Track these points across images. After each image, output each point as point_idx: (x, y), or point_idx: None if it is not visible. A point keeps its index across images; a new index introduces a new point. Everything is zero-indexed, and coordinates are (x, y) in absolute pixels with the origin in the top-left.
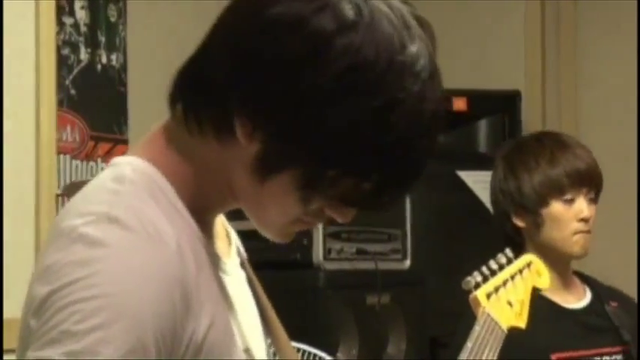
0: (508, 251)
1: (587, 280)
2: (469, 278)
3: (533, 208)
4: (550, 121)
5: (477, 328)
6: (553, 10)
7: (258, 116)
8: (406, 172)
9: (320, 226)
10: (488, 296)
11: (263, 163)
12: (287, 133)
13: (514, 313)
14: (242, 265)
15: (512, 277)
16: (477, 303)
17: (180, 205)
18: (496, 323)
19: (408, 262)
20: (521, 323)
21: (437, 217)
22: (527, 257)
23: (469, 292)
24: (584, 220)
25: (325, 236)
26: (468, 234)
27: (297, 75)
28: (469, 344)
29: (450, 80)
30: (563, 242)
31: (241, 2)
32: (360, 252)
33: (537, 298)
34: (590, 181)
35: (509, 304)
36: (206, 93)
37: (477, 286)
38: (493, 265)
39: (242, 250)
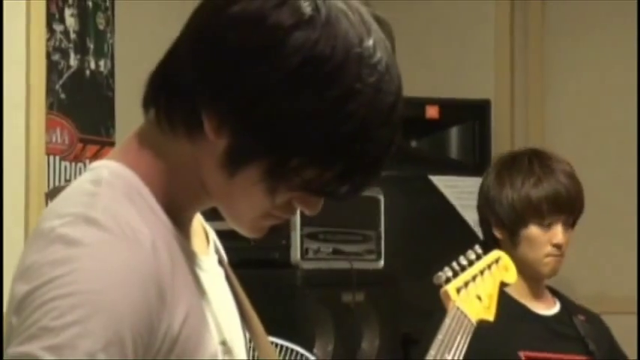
0: (477, 247)
1: (558, 294)
2: (440, 273)
3: (510, 226)
4: (518, 129)
5: (447, 321)
6: (521, 22)
7: (224, 110)
8: (367, 161)
9: (298, 227)
10: (458, 291)
11: (231, 156)
12: (250, 125)
13: (483, 306)
14: (220, 262)
15: (482, 272)
16: (448, 297)
17: (155, 205)
18: (465, 316)
19: (381, 263)
20: (490, 316)
21: (410, 220)
22: (496, 253)
23: (440, 286)
24: (557, 246)
25: (303, 237)
26: (439, 236)
27: (257, 68)
28: (439, 336)
29: (424, 89)
30: (535, 262)
31: (206, 3)
32: (336, 252)
33: (509, 300)
34: (570, 209)
35: (479, 298)
36: (175, 93)
37: (448, 281)
38: (463, 260)
39: (220, 248)
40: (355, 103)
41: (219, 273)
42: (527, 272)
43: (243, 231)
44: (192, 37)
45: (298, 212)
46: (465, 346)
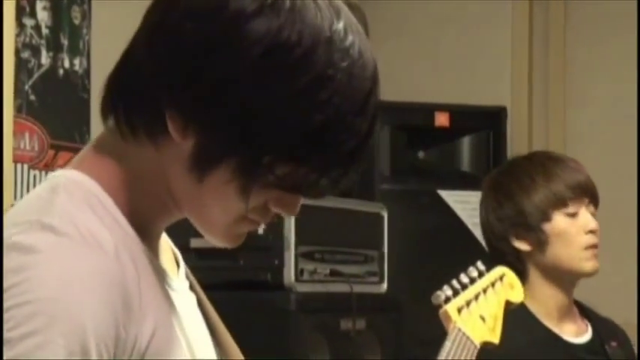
0: (479, 264)
1: (586, 312)
2: (439, 292)
3: (536, 226)
4: (537, 139)
5: (447, 343)
6: (541, 24)
7: (187, 108)
8: (344, 153)
9: (292, 246)
10: (459, 310)
11: (199, 158)
12: (216, 122)
13: (487, 327)
14: (191, 288)
15: (485, 291)
16: (448, 318)
17: (118, 214)
18: (468, 338)
19: (384, 286)
20: (494, 338)
21: (416, 239)
22: (500, 270)
23: (439, 306)
24: (592, 232)
25: (297, 256)
26: (448, 257)
27: (219, 60)
28: None
29: (433, 94)
30: (572, 260)
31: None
32: (334, 274)
33: (532, 322)
34: (590, 193)
35: (482, 318)
36: (135, 95)
37: (448, 300)
38: (464, 278)
39: (189, 274)
40: (327, 90)
41: (191, 298)
42: (562, 280)
43: (217, 240)
44: (148, 33)
45: (293, 230)
46: None
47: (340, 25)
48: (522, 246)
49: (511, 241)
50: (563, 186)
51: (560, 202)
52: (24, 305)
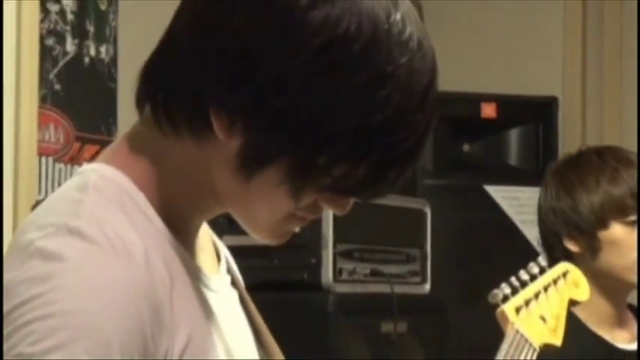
0: (541, 260)
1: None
2: (496, 291)
3: (589, 230)
4: (591, 131)
5: (504, 346)
6: (596, 9)
7: (234, 107)
8: (403, 152)
9: (330, 244)
10: (518, 310)
11: (246, 158)
12: (268, 122)
13: (548, 328)
14: (233, 283)
15: (546, 289)
16: (505, 318)
17: (151, 212)
18: (527, 340)
19: (427, 287)
20: (556, 340)
21: (461, 237)
22: (563, 266)
23: (496, 306)
24: None
25: (336, 255)
26: (495, 256)
27: (270, 56)
28: None
29: (479, 84)
30: (626, 271)
31: None
32: (374, 273)
33: (580, 329)
34: None
35: (543, 319)
36: (176, 88)
37: (505, 299)
38: (524, 275)
39: (234, 267)
40: (387, 88)
41: (232, 295)
42: (613, 287)
43: (262, 237)
44: (190, 22)
45: (331, 227)
46: None
47: (398, 16)
48: (573, 247)
49: (562, 239)
50: (628, 194)
51: (621, 211)
52: (48, 318)
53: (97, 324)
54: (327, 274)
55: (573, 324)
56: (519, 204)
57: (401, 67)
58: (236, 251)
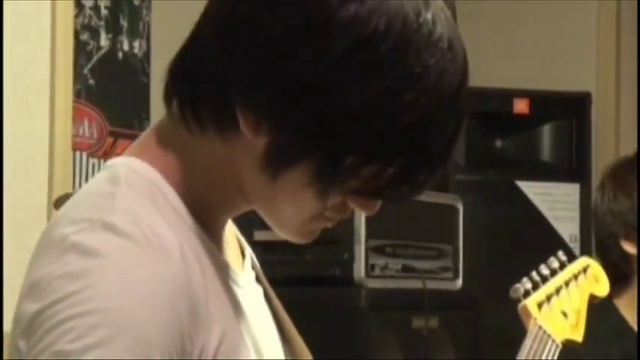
0: (561, 254)
1: None
2: (518, 285)
3: None
4: (625, 128)
5: (527, 342)
6: (630, 3)
7: (262, 105)
8: (432, 154)
9: (362, 239)
10: (540, 306)
11: (273, 157)
12: (295, 121)
13: (569, 324)
14: (257, 279)
15: (567, 284)
16: (528, 314)
17: (182, 208)
18: (549, 336)
19: (459, 282)
20: (578, 336)
21: (493, 233)
22: (583, 260)
23: (517, 301)
24: None
25: (368, 250)
26: (527, 252)
27: (299, 54)
28: None
29: (511, 79)
30: None
31: None
32: (406, 269)
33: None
34: None
35: (564, 314)
36: (202, 84)
37: (527, 294)
38: (544, 270)
39: (257, 263)
40: (416, 89)
41: (257, 291)
42: None
43: (289, 236)
44: (218, 18)
45: (363, 223)
46: None
47: (429, 16)
48: (630, 248)
49: (619, 240)
50: None
51: None
52: (87, 315)
53: (137, 321)
54: (360, 270)
55: (621, 328)
56: (552, 200)
57: (430, 68)
58: (268, 246)
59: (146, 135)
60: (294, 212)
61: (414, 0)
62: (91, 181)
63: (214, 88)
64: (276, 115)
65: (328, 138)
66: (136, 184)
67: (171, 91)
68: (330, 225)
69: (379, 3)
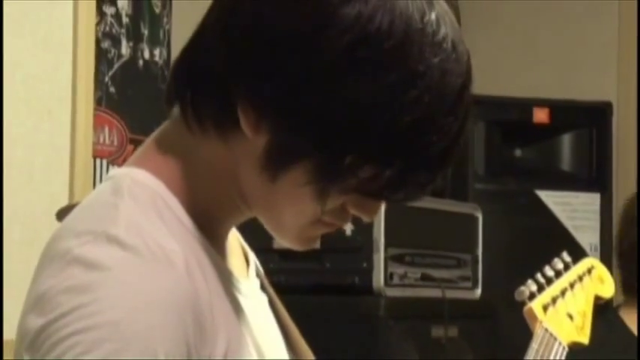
0: (565, 255)
1: None
2: (523, 288)
3: None
4: None
5: (534, 345)
6: None
7: (262, 103)
8: (432, 155)
9: (381, 248)
10: (545, 308)
11: (272, 156)
12: (295, 120)
13: (575, 326)
14: (262, 287)
15: (572, 286)
16: (533, 316)
17: (186, 218)
18: (555, 339)
19: (478, 292)
20: (584, 339)
21: (513, 242)
22: (588, 261)
23: (522, 303)
24: None
25: (387, 259)
26: (546, 261)
27: (300, 51)
28: None
29: (531, 88)
30: None
31: None
32: (425, 278)
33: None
34: None
35: (569, 316)
36: (204, 84)
37: (532, 296)
38: (549, 271)
39: (261, 270)
40: (418, 88)
41: (262, 300)
42: None
43: (289, 242)
44: (221, 17)
45: (382, 231)
46: None
47: (433, 16)
48: None
49: None
50: None
51: None
52: (93, 329)
53: (142, 335)
54: (379, 279)
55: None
56: (571, 209)
57: (433, 68)
58: (287, 255)
59: (147, 144)
60: (293, 215)
61: (419, 1)
62: (93, 192)
63: (215, 86)
64: (277, 113)
65: (327, 137)
66: (139, 195)
67: (173, 92)
68: (330, 231)
69: (383, 2)
